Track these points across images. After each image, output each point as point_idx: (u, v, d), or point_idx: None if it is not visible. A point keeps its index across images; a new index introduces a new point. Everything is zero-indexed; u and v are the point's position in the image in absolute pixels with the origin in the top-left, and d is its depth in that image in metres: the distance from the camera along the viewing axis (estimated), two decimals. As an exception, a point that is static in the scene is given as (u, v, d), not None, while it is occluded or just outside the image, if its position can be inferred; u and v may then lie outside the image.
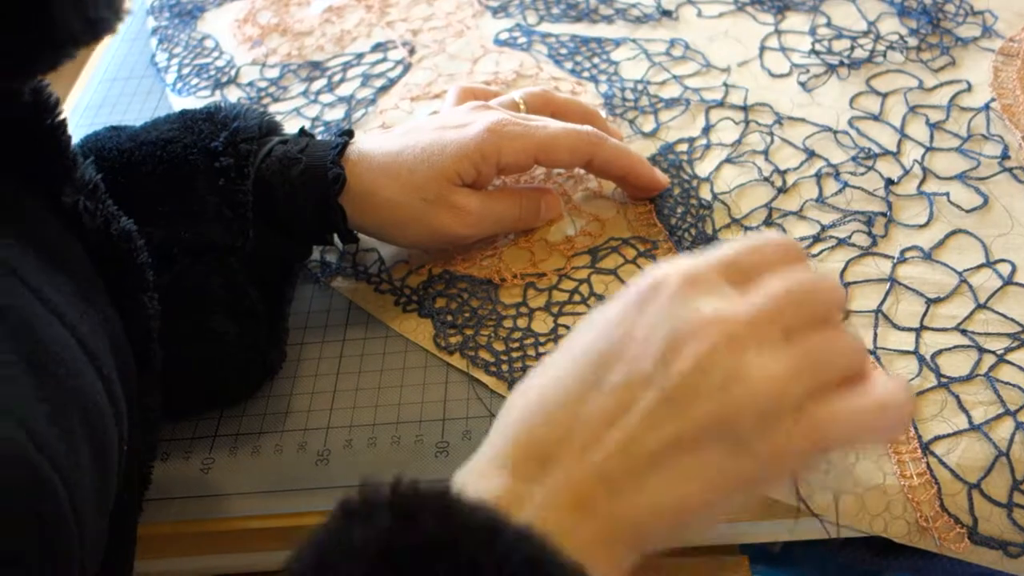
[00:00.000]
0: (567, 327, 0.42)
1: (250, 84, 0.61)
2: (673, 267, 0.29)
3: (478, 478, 0.27)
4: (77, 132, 0.61)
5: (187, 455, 0.40)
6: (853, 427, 0.27)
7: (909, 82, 0.53)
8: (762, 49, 0.57)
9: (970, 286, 0.41)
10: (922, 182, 0.46)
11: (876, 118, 0.50)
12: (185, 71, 0.64)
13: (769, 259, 0.29)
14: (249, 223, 0.41)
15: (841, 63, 0.54)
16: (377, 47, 0.63)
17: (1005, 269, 0.41)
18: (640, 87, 0.55)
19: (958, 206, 0.44)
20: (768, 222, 0.45)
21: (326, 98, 0.59)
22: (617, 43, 0.59)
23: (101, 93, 0.65)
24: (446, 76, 0.59)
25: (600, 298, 0.43)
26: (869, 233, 0.44)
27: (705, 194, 0.48)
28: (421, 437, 0.39)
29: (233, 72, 0.63)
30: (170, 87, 0.63)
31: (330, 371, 0.42)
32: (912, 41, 0.55)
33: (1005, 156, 0.47)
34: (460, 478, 0.27)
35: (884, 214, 0.45)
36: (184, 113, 0.43)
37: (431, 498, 0.24)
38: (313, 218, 0.42)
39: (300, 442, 0.40)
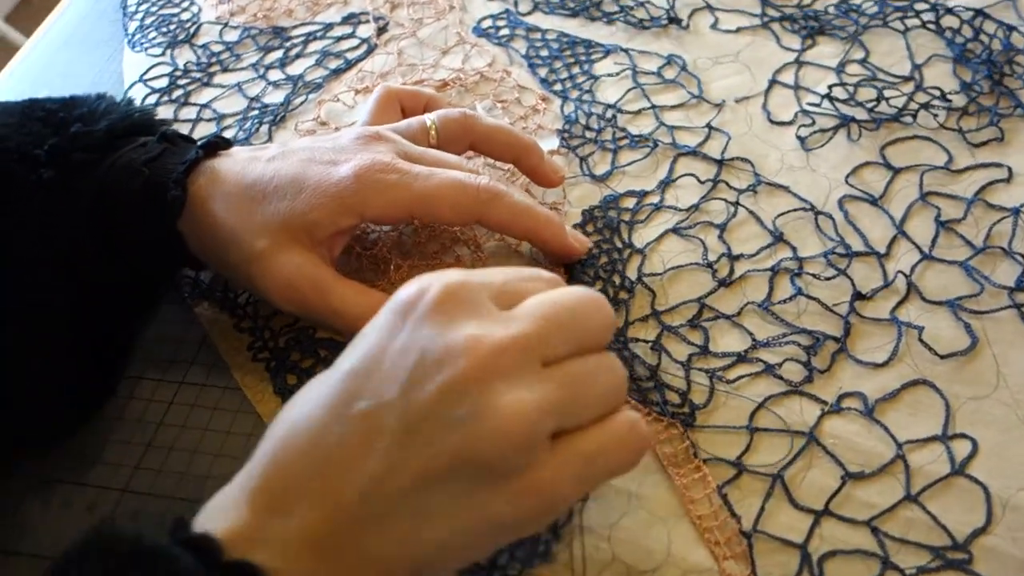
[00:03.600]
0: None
1: (204, 47, 0.56)
2: (437, 279, 0.28)
3: (220, 512, 0.27)
4: (29, 73, 0.58)
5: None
6: (605, 462, 0.27)
7: (935, 157, 0.42)
8: (772, 83, 0.47)
9: (907, 465, 0.32)
10: (901, 303, 0.37)
11: (875, 202, 0.40)
12: (148, 20, 0.59)
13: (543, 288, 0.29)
14: (75, 249, 0.36)
15: (853, 119, 0.44)
16: (349, 18, 0.56)
17: (962, 449, 0.32)
18: (610, 114, 0.47)
19: (931, 348, 0.35)
20: (693, 323, 0.37)
21: (274, 75, 0.53)
22: (606, 51, 0.50)
23: (67, 31, 0.60)
24: (406, 66, 0.52)
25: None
26: (807, 364, 0.35)
27: (632, 271, 0.39)
28: (214, 525, 0.34)
29: (193, 29, 0.57)
30: (128, 38, 0.58)
31: (154, 419, 0.38)
32: (958, 100, 0.44)
33: (1020, 286, 0.36)
34: (206, 511, 0.27)
35: (836, 339, 0.36)
36: (31, 104, 0.38)
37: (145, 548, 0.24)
38: (152, 242, 0.37)
39: (91, 502, 0.35)
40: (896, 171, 0.41)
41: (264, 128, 0.49)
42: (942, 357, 0.34)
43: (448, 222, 0.37)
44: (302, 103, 0.51)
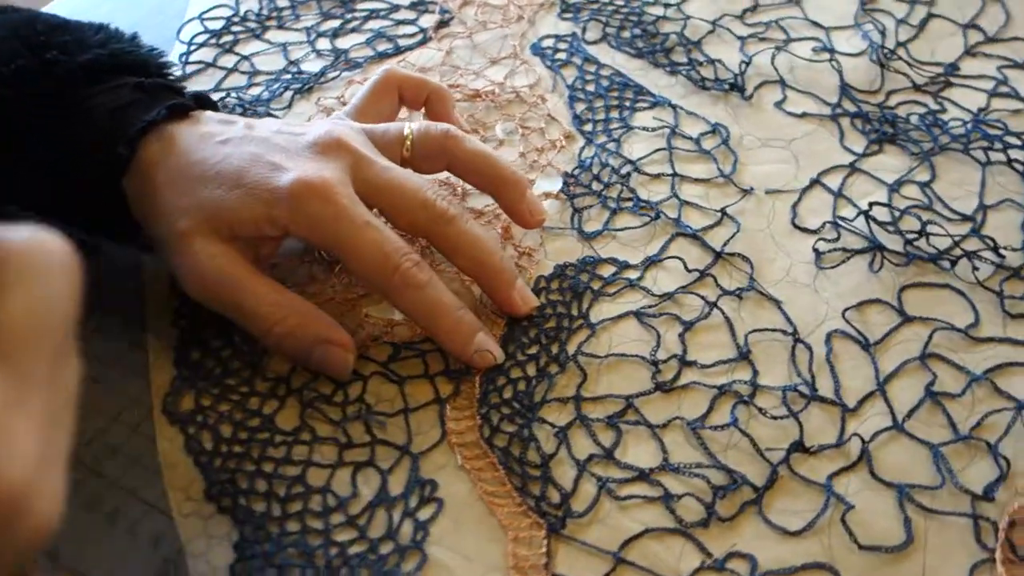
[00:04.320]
0: (312, 426, 0.34)
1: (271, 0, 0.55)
2: None
3: None
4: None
5: None
6: None
7: (958, 316, 0.36)
8: (814, 182, 0.42)
9: (767, 660, 0.27)
10: (844, 470, 0.32)
11: (867, 347, 0.35)
12: (234, -40, 0.59)
13: None
14: (24, 175, 0.35)
15: (883, 247, 0.38)
16: (416, 4, 0.54)
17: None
18: (626, 170, 0.43)
19: (852, 533, 0.30)
20: (611, 420, 0.33)
21: (322, 44, 0.52)
22: (654, 102, 0.46)
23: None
24: (449, 67, 0.50)
25: (370, 410, 0.34)
26: (709, 506, 0.31)
27: (573, 345, 0.36)
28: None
29: (268, -21, 0.57)
30: (207, -27, 0.58)
31: None
32: (1013, 258, 0.38)
33: (988, 496, 0.30)
34: None
35: (755, 489, 0.31)
36: (28, 20, 0.37)
37: None
38: (96, 193, 0.36)
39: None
40: (906, 319, 0.36)
41: (288, 95, 0.48)
42: (861, 547, 0.29)
43: (359, 278, 0.36)
44: (335, 78, 0.49)
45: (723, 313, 0.37)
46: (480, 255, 0.36)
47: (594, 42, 0.51)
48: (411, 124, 0.38)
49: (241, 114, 0.46)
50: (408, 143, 0.37)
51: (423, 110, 0.43)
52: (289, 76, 0.50)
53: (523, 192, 0.38)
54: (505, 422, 0.34)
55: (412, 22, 0.53)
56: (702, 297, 0.37)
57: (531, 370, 0.35)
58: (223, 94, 0.48)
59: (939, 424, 0.33)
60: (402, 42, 0.52)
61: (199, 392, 0.35)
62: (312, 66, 0.50)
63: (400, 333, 0.37)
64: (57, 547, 0.31)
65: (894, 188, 0.41)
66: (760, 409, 0.33)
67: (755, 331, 0.36)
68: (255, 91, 0.49)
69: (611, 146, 0.44)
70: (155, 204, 0.35)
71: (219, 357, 0.36)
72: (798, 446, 0.32)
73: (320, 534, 0.31)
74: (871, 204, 0.40)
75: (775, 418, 0.33)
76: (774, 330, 0.36)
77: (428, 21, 0.53)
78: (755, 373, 0.35)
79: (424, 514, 0.31)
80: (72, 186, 0.36)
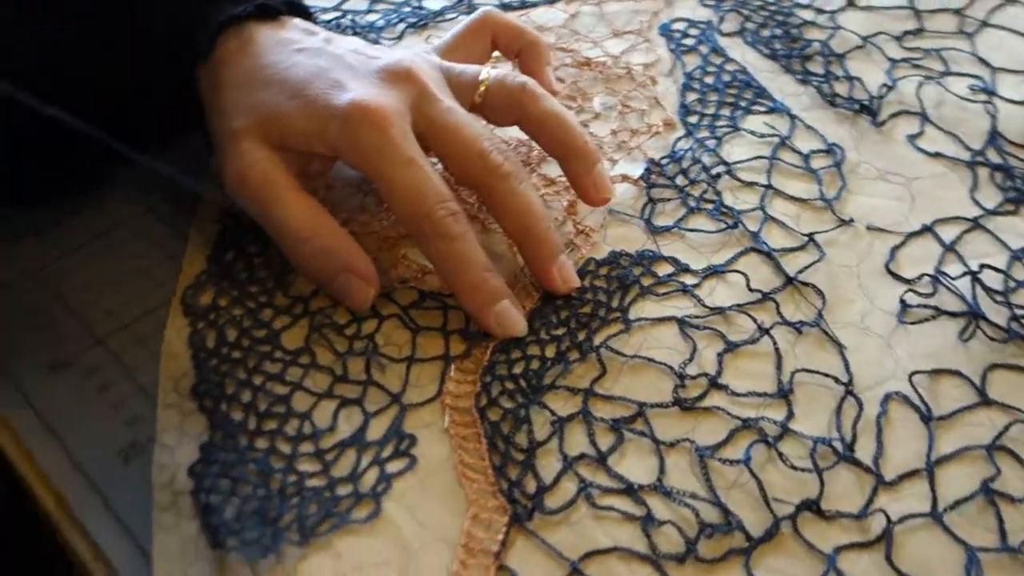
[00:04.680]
0: (314, 351, 0.33)
1: (415, -68, 0.54)
2: None
3: None
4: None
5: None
6: None
7: (1051, 413, 0.31)
8: (926, 229, 0.37)
9: None
10: (856, 546, 0.27)
11: (927, 420, 0.31)
12: None
13: None
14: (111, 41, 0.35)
15: (983, 317, 0.33)
16: (557, -37, 0.52)
17: None
18: (719, 171, 0.39)
19: (843, 618, 0.26)
20: (616, 425, 0.30)
21: (449, -14, 0.51)
22: (772, 109, 0.42)
23: None
24: (569, 31, 0.47)
25: (376, 350, 0.33)
26: (691, 543, 0.27)
27: (601, 337, 0.33)
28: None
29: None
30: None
31: (98, 227, 0.37)
32: None
33: (1022, 620, 0.26)
34: None
35: (748, 538, 0.27)
36: None
37: None
38: (173, 75, 0.36)
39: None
40: (984, 401, 0.31)
41: (401, 27, 0.47)
42: (849, 635, 0.26)
43: (395, 214, 0.35)
44: (452, 19, 0.48)
45: (774, 343, 0.33)
46: (527, 219, 0.33)
47: (729, 34, 0.47)
48: (490, 70, 0.36)
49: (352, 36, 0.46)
50: (482, 88, 0.35)
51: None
52: (409, 9, 0.49)
53: (592, 165, 0.36)
54: (505, 397, 0.31)
55: (546, -20, 0.51)
56: (756, 321, 0.34)
57: (550, 351, 0.33)
58: (339, 14, 0.48)
59: (985, 527, 0.28)
60: (529, -2, 0.50)
61: (219, 291, 0.35)
62: (434, 4, 0.49)
63: (431, 282, 0.35)
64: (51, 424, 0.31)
65: (1018, 256, 0.36)
66: (781, 455, 0.29)
67: (804, 370, 0.32)
68: (372, 17, 0.48)
69: (710, 143, 0.41)
70: (219, 99, 0.34)
71: (250, 263, 0.36)
72: (813, 505, 0.28)
73: (284, 458, 0.30)
74: (982, 266, 0.35)
75: (796, 468, 0.29)
76: (826, 375, 0.32)
77: (561, -19, 0.51)
78: (790, 415, 0.31)
79: (393, 467, 0.30)
80: (149, 71, 0.36)
